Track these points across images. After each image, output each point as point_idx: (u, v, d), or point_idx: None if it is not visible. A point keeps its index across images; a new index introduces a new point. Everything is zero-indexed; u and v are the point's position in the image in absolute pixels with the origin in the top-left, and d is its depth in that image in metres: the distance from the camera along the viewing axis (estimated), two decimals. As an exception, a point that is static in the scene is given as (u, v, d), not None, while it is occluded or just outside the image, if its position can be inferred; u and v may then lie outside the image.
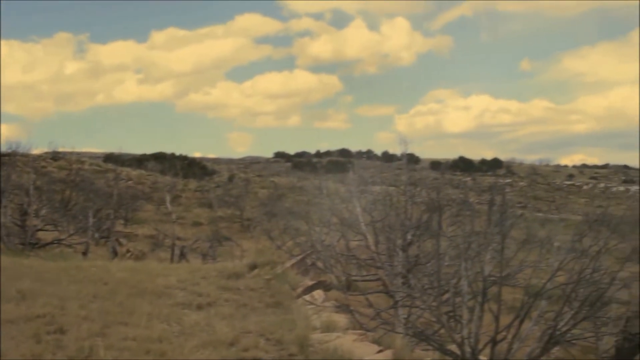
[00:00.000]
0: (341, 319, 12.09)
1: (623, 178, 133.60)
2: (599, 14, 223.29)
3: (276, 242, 31.46)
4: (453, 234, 15.29)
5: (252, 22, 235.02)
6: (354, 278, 19.38)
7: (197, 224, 51.85)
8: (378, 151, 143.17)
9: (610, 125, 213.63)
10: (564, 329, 12.36)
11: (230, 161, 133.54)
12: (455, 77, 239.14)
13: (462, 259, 11.91)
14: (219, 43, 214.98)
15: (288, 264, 17.65)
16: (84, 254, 28.78)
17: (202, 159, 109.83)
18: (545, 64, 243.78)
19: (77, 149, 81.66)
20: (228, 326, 10.25)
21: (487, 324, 11.98)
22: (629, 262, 15.02)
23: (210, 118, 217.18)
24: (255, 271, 15.71)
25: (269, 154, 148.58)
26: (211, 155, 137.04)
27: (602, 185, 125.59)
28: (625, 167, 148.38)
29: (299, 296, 14.01)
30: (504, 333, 11.74)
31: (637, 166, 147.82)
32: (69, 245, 30.18)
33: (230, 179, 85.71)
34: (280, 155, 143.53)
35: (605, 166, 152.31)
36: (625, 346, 22.11)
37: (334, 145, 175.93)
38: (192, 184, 71.05)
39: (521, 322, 11.83)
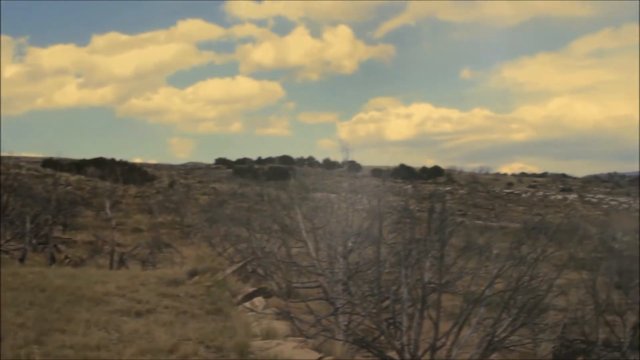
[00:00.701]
0: (281, 326, 12.09)
1: (561, 187, 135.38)
2: (538, 25, 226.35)
3: (217, 249, 31.40)
4: (393, 241, 15.38)
5: (195, 27, 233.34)
6: (294, 285, 19.38)
7: (137, 230, 51.37)
8: (320, 158, 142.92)
9: (548, 134, 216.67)
10: (503, 335, 12.50)
11: (171, 167, 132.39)
12: (397, 86, 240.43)
13: (402, 266, 11.99)
14: (161, 48, 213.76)
15: (228, 271, 17.60)
16: (21, 260, 28.31)
17: (142, 165, 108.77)
18: (485, 73, 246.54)
19: (15, 154, 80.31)
20: (167, 333, 10.18)
21: (426, 331, 12.07)
22: (566, 269, 15.24)
23: (151, 123, 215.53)
24: (196, 278, 15.63)
25: (210, 160, 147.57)
26: (152, 161, 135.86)
27: (540, 193, 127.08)
28: (563, 175, 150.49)
29: (239, 303, 13.97)
30: (443, 339, 11.84)
31: (575, 175, 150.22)
32: (6, 252, 29.69)
33: (171, 185, 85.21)
34: (221, 162, 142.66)
35: (544, 175, 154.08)
36: (563, 352, 22.43)
37: (275, 152, 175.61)
38: (132, 189, 70.43)
39: (460, 328, 11.94)
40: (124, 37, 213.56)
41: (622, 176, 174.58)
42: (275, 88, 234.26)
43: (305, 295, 18.50)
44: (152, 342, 9.61)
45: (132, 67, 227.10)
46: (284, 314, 13.94)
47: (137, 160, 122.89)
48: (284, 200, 23.59)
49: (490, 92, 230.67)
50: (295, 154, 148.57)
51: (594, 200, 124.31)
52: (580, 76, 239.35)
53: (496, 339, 12.40)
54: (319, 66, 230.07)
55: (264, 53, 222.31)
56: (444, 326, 12.09)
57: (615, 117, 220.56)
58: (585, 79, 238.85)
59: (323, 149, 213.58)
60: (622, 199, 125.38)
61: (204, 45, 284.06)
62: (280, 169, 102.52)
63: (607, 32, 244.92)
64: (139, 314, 11.84)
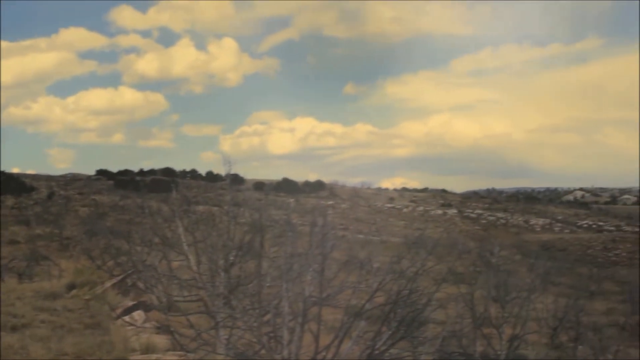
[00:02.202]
0: (161, 340, 11.96)
1: (441, 202, 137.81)
2: (420, 43, 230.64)
3: (96, 262, 30.87)
4: (275, 254, 15.38)
5: (78, 36, 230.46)
6: (175, 298, 19.17)
7: (13, 242, 50.17)
8: (202, 171, 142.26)
9: (429, 150, 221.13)
10: (382, 348, 12.61)
11: (50, 178, 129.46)
12: (281, 99, 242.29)
13: (283, 279, 11.99)
14: (42, 56, 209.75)
15: (108, 284, 17.35)
16: None
17: (20, 175, 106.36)
18: (369, 88, 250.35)
19: None
20: (44, 348, 9.95)
21: (307, 344, 12.08)
22: (445, 283, 15.50)
23: (30, 133, 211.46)
24: (74, 291, 15.36)
25: (91, 171, 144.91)
26: (30, 171, 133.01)
27: (421, 208, 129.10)
28: (444, 191, 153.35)
29: (118, 317, 13.78)
30: (323, 353, 11.87)
31: (454, 190, 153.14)
32: None
33: (50, 196, 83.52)
34: (102, 173, 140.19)
35: (425, 190, 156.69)
36: (441, 365, 22.73)
37: (158, 164, 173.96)
38: (9, 200, 68.79)
39: (341, 342, 11.99)
40: (4, 44, 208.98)
41: (500, 192, 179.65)
42: (158, 99, 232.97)
43: (185, 309, 18.33)
44: (27, 358, 9.38)
45: (11, 75, 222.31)
46: (164, 328, 13.79)
47: (15, 170, 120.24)
48: (165, 212, 23.29)
49: (373, 107, 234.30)
50: (178, 167, 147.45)
51: (472, 215, 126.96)
52: (460, 94, 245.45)
53: (376, 352, 12.49)
54: (204, 78, 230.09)
55: (148, 64, 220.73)
56: (325, 339, 12.13)
57: (494, 135, 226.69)
58: (465, 97, 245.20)
59: (206, 162, 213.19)
60: (499, 215, 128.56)
61: (87, 55, 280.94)
62: (162, 181, 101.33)
63: (486, 52, 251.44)
64: (14, 329, 11.55)
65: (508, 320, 26.97)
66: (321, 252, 12.22)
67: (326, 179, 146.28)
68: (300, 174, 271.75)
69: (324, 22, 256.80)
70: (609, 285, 67.54)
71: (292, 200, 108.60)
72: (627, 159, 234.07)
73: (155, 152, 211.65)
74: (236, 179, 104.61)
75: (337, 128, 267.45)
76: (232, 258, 17.38)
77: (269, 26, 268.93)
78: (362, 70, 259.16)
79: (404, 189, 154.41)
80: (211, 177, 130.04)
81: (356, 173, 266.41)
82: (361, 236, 78.87)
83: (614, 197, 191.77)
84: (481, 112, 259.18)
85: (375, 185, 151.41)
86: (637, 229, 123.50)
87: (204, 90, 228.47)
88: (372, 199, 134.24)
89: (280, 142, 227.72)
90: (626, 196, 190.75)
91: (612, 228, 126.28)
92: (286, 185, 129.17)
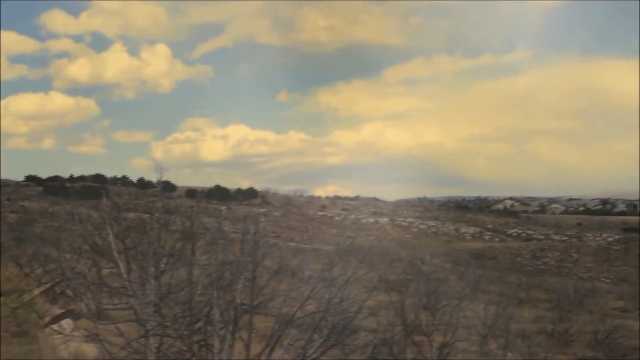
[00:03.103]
0: (90, 348, 11.83)
1: (373, 210, 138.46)
2: (353, 52, 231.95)
3: (24, 269, 30.35)
4: (206, 262, 15.30)
5: (8, 39, 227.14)
6: (104, 307, 18.99)
7: (-63, 249, 49.17)
8: (134, 178, 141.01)
9: (362, 158, 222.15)
10: (314, 356, 12.61)
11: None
12: (213, 106, 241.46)
13: (214, 287, 11.94)
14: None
15: (36, 292, 17.12)
16: None
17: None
18: (302, 96, 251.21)
19: None
20: (-32, 358, 9.77)
21: (238, 353, 12.05)
22: (376, 291, 15.58)
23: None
24: (1, 299, 15.10)
25: (20, 177, 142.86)
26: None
27: (353, 216, 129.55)
28: (375, 199, 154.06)
29: (46, 325, 13.58)
30: (254, 361, 11.85)
31: (386, 199, 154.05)
32: None
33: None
34: (31, 179, 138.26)
35: (357, 198, 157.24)
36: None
37: (88, 170, 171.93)
38: None
39: (272, 350, 11.98)
40: None
41: (431, 201, 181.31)
42: (90, 105, 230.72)
43: (115, 317, 18.14)
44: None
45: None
46: (92, 337, 13.63)
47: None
48: (95, 219, 23.07)
49: (306, 115, 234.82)
50: (108, 173, 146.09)
51: (404, 223, 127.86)
52: (393, 103, 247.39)
53: (307, 360, 12.51)
54: (136, 84, 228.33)
55: (79, 69, 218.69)
56: (256, 348, 12.11)
57: (425, 143, 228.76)
58: (397, 106, 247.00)
59: (137, 169, 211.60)
60: (431, 223, 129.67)
61: (17, 59, 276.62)
62: (92, 188, 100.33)
63: (419, 61, 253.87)
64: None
65: (438, 327, 27.22)
66: (253, 260, 12.21)
67: (259, 186, 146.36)
68: (233, 182, 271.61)
69: (258, 30, 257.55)
70: (538, 293, 68.45)
71: (224, 207, 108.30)
72: (556, 169, 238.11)
73: (86, 158, 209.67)
74: (168, 186, 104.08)
75: (270, 136, 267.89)
76: (163, 265, 17.26)
77: (202, 33, 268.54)
78: (296, 78, 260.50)
79: (336, 197, 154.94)
80: (142, 184, 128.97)
81: (289, 181, 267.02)
82: (293, 244, 78.88)
83: (543, 206, 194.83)
84: (413, 121, 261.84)
85: (308, 193, 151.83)
86: (565, 238, 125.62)
87: (136, 96, 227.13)
88: (304, 206, 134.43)
89: (212, 149, 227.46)
90: (554, 205, 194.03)
91: (541, 237, 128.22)
92: (218, 193, 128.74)
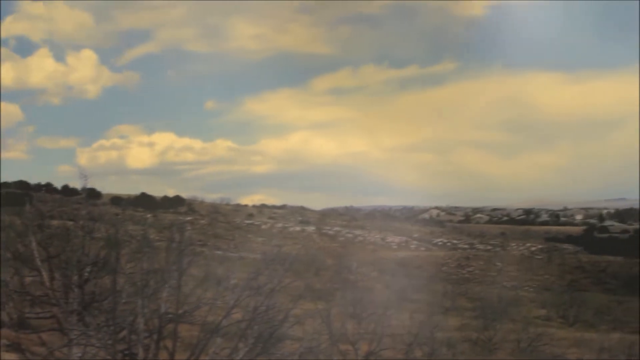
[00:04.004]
0: (12, 358, 11.64)
1: (299, 218, 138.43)
2: (281, 61, 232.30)
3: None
4: (131, 270, 15.17)
5: None
6: (27, 315, 18.70)
7: None
8: (58, 184, 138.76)
9: (289, 167, 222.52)
10: (239, 365, 12.58)
11: None
12: (140, 113, 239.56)
13: (139, 296, 11.85)
14: None
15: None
16: None
17: None
18: (229, 105, 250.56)
19: None
20: None
21: (163, 362, 11.96)
22: (303, 299, 15.59)
23: None
24: None
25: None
26: None
27: (280, 225, 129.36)
28: (302, 208, 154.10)
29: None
30: (179, 370, 11.77)
31: (313, 207, 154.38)
32: None
33: None
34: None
35: (284, 207, 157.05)
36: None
37: (11, 177, 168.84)
38: None
39: (197, 359, 11.92)
40: None
41: (358, 210, 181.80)
42: (14, 110, 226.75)
43: (37, 326, 17.89)
44: None
45: None
46: (14, 346, 13.43)
47: None
48: (18, 227, 22.68)
49: (233, 124, 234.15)
50: (32, 180, 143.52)
51: (330, 232, 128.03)
52: (319, 112, 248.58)
53: (233, 369, 12.46)
54: (62, 90, 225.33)
55: (4, 73, 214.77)
56: (181, 356, 12.03)
57: (352, 153, 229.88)
58: (324, 115, 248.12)
59: (62, 175, 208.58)
60: (357, 232, 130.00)
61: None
62: (15, 195, 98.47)
63: (346, 71, 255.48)
64: None
65: (364, 336, 27.31)
66: (178, 269, 12.15)
67: (185, 194, 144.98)
68: (159, 189, 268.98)
69: (185, 37, 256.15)
70: (463, 302, 69.13)
71: (150, 215, 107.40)
72: (481, 179, 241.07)
73: (10, 164, 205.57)
74: (93, 193, 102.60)
75: (197, 143, 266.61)
76: (86, 274, 17.08)
77: (130, 39, 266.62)
78: (223, 86, 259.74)
79: (263, 206, 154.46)
80: (67, 191, 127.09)
81: (216, 189, 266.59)
82: (219, 252, 78.56)
83: (468, 215, 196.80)
84: (340, 131, 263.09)
85: (235, 202, 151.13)
86: (489, 247, 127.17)
87: (61, 102, 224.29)
88: (231, 215, 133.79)
89: (139, 156, 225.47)
90: (479, 215, 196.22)
91: (466, 246, 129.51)
92: (144, 201, 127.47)
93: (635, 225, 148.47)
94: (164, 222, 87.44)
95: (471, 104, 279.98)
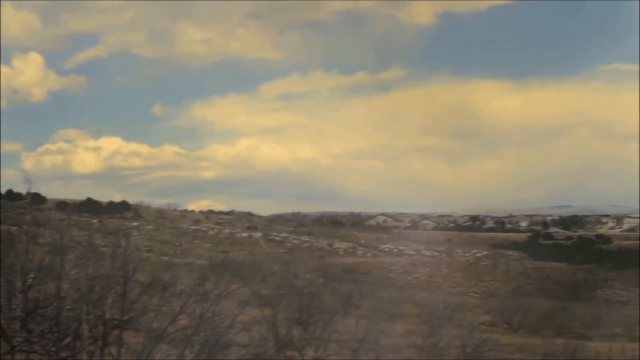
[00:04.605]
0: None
1: (247, 224, 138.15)
2: (230, 66, 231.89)
3: None
4: (76, 276, 15.03)
5: None
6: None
7: None
8: (2, 189, 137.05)
9: (236, 173, 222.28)
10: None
11: None
12: (87, 118, 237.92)
13: (84, 302, 11.76)
14: None
15: None
16: None
17: None
18: (177, 110, 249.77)
19: None
20: None
21: (107, 369, 11.86)
22: (249, 305, 15.58)
23: None
24: None
25: None
26: None
27: (227, 231, 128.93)
28: (249, 214, 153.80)
29: None
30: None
31: (260, 213, 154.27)
32: None
33: None
34: None
35: (231, 213, 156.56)
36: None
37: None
38: None
39: (142, 366, 11.85)
40: None
41: (305, 216, 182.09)
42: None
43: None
44: None
45: None
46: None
47: None
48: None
49: (181, 129, 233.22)
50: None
51: (277, 238, 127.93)
52: (268, 118, 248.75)
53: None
54: (7, 93, 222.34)
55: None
56: (127, 364, 11.95)
57: (300, 159, 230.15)
58: (273, 121, 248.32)
59: (6, 180, 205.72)
60: (304, 238, 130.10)
61: None
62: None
63: (295, 77, 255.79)
64: None
65: (310, 342, 27.35)
66: (124, 274, 12.08)
67: (131, 199, 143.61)
68: (105, 195, 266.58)
69: (133, 41, 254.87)
70: (409, 308, 69.36)
71: (95, 221, 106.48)
72: (427, 186, 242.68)
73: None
74: (37, 198, 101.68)
75: (144, 148, 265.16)
76: (30, 280, 16.86)
77: (77, 42, 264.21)
78: (171, 91, 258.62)
79: (210, 212, 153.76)
80: (11, 195, 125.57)
81: (162, 194, 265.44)
82: (166, 258, 78.08)
83: (414, 222, 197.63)
84: (288, 137, 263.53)
85: (182, 207, 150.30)
86: (435, 253, 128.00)
87: (6, 105, 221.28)
88: (177, 220, 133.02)
89: (85, 161, 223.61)
90: (426, 221, 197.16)
91: (412, 252, 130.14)
92: (90, 206, 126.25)
93: (579, 232, 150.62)
94: (110, 227, 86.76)
95: (419, 111, 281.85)
